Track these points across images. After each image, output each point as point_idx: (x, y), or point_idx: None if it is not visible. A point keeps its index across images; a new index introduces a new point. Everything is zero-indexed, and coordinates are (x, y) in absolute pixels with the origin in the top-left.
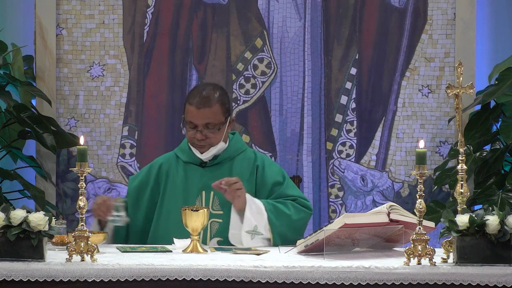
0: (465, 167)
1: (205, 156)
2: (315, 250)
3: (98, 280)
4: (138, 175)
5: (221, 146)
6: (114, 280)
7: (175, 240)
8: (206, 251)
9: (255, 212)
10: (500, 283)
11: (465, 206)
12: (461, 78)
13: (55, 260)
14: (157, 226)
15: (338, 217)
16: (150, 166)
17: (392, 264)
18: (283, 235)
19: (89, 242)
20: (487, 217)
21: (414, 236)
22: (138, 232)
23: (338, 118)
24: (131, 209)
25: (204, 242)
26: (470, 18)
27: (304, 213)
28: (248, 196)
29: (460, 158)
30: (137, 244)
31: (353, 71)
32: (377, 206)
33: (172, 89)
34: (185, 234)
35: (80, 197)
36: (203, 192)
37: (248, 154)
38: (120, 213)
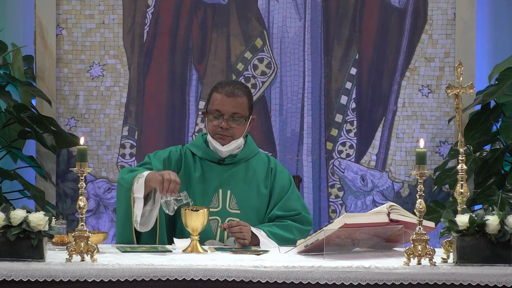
0: (465, 167)
1: (226, 148)
2: (315, 250)
3: (98, 280)
4: (159, 154)
5: (240, 142)
6: (114, 280)
7: (175, 240)
8: (206, 251)
9: (267, 244)
10: (500, 283)
11: (465, 206)
12: (461, 78)
13: (55, 260)
14: (177, 222)
15: (338, 217)
16: (169, 152)
17: (392, 264)
18: None
19: (89, 242)
20: (487, 217)
21: (414, 236)
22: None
23: (338, 118)
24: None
25: (221, 240)
26: (470, 18)
27: (306, 233)
28: (254, 231)
29: (460, 158)
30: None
31: (353, 71)
32: (377, 206)
33: (172, 89)
34: (202, 232)
35: (80, 197)
36: (220, 190)
37: (262, 156)
38: (177, 204)
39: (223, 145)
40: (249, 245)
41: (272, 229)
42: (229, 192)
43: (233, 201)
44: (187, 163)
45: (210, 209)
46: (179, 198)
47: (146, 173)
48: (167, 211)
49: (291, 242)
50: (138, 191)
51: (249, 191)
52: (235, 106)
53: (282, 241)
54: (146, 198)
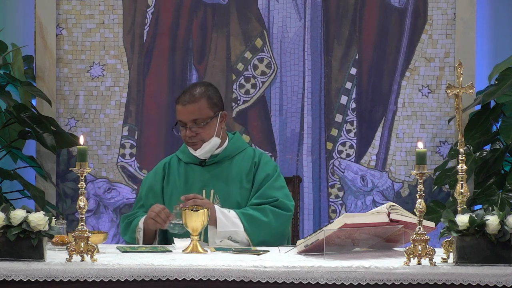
0: (465, 167)
1: (200, 153)
2: (315, 250)
3: (98, 280)
4: (146, 180)
5: (214, 141)
6: (114, 280)
7: (175, 240)
8: (206, 251)
9: (229, 224)
10: (500, 283)
11: (465, 206)
12: (461, 78)
13: (55, 260)
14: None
15: (338, 217)
16: (155, 170)
17: (392, 264)
18: (265, 242)
19: (89, 242)
20: (487, 217)
21: (414, 236)
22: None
23: (338, 118)
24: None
25: (205, 240)
26: (470, 18)
27: (284, 217)
28: (218, 209)
29: (460, 158)
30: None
31: (353, 71)
32: (377, 206)
33: (172, 89)
34: (187, 233)
35: (80, 197)
36: (204, 191)
37: (248, 152)
38: (180, 220)
39: (195, 150)
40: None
41: (244, 210)
42: (212, 192)
43: (216, 200)
44: (171, 172)
45: None
46: (176, 221)
47: (141, 223)
48: (177, 232)
49: (264, 225)
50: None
51: (231, 188)
52: (192, 112)
53: (255, 223)
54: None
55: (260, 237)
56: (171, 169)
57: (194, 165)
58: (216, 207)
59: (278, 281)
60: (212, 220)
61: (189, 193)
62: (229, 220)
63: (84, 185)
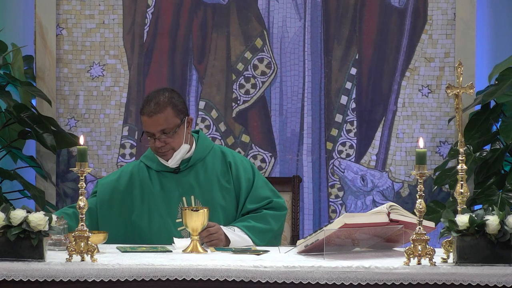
0: (465, 167)
1: (171, 162)
2: (315, 250)
3: (98, 280)
4: (107, 178)
5: (184, 148)
6: (114, 280)
7: (175, 240)
8: (206, 251)
9: (240, 241)
10: (500, 283)
11: (465, 206)
12: (461, 78)
13: (55, 260)
14: (142, 236)
15: (338, 217)
16: (120, 173)
17: (392, 264)
18: (268, 243)
19: (89, 242)
20: (487, 217)
21: (414, 236)
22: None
23: (338, 118)
24: (105, 206)
25: None
26: (470, 18)
27: (282, 218)
28: (226, 229)
29: (460, 158)
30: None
31: (353, 71)
32: (377, 206)
33: None
34: (170, 242)
35: (80, 197)
36: (184, 198)
37: (216, 151)
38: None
39: (167, 160)
40: (223, 245)
41: (248, 222)
42: (192, 197)
43: (198, 206)
44: (142, 178)
45: (177, 220)
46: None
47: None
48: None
49: (269, 233)
50: None
51: (211, 190)
52: (159, 123)
53: (260, 233)
54: None
55: (265, 242)
56: (143, 176)
57: (167, 172)
58: (222, 227)
59: (278, 281)
60: (224, 241)
61: (169, 201)
62: (239, 237)
63: (84, 185)
